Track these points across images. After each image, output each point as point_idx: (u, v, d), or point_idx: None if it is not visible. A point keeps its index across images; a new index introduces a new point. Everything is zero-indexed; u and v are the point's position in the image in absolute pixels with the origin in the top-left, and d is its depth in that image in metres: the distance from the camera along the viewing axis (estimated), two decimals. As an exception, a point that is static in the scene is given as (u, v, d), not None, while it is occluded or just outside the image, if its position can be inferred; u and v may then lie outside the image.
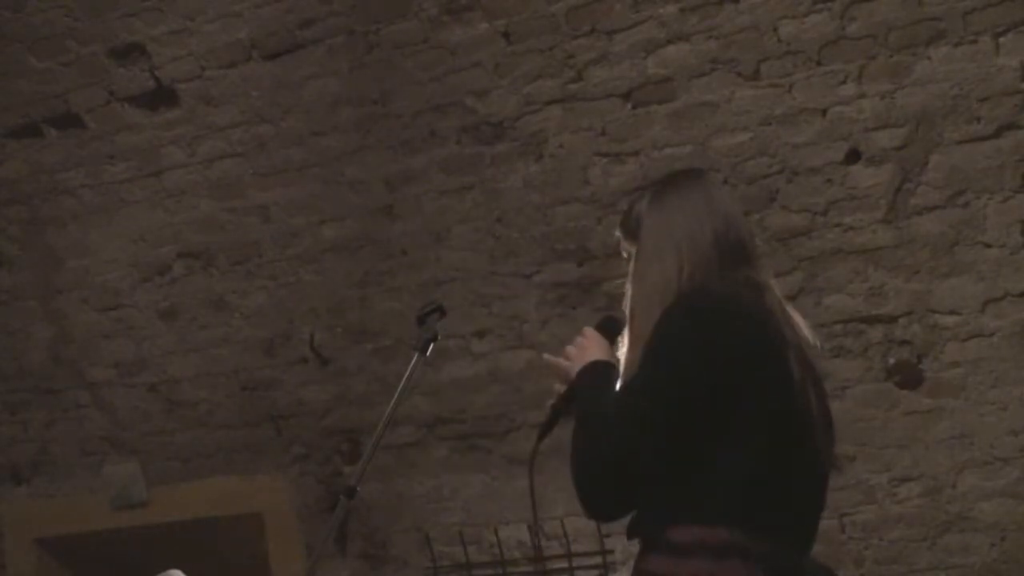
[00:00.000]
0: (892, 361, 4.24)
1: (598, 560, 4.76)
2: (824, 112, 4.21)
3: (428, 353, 2.85)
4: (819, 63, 4.18)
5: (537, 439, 2.61)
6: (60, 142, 5.39)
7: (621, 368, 2.48)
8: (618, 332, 2.57)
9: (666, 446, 2.27)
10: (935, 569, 4.23)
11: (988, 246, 4.07)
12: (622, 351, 2.52)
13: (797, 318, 2.47)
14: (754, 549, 2.25)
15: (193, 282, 5.34)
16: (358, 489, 2.81)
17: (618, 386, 2.44)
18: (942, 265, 4.13)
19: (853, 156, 4.20)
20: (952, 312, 4.14)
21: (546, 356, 2.64)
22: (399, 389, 2.81)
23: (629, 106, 4.47)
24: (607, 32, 4.45)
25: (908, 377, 4.23)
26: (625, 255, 2.57)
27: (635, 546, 2.42)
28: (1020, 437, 4.09)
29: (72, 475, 5.79)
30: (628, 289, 2.52)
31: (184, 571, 4.18)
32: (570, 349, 2.57)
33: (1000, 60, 3.96)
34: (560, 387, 2.56)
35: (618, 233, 2.60)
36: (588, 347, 2.54)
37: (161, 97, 5.17)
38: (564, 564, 4.84)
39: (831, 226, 4.25)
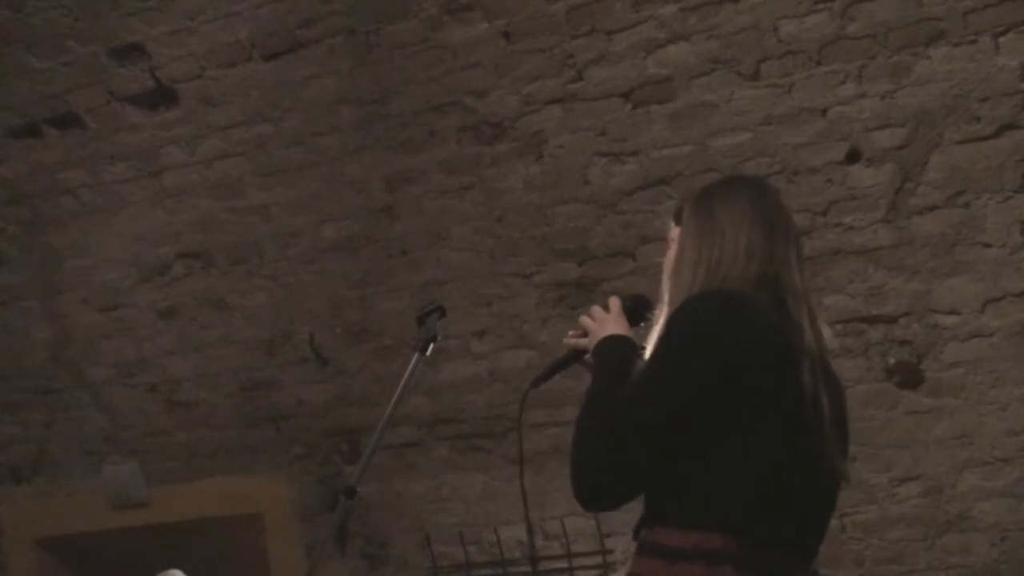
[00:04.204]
0: (892, 361, 4.23)
1: (598, 560, 4.75)
2: (824, 112, 4.20)
3: (428, 353, 2.85)
4: (819, 63, 4.18)
5: (537, 380, 2.64)
6: (60, 142, 5.39)
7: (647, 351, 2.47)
8: (645, 311, 2.60)
9: (667, 449, 2.25)
10: (935, 569, 4.23)
11: (988, 246, 4.07)
12: (651, 333, 2.50)
13: (823, 329, 2.42)
14: (748, 558, 2.22)
15: (193, 282, 5.33)
16: (358, 489, 2.82)
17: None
18: (942, 265, 4.13)
19: (853, 156, 4.19)
20: (952, 312, 4.13)
21: (566, 340, 2.64)
22: (399, 389, 2.82)
23: (629, 106, 4.47)
24: (607, 32, 4.45)
25: (908, 377, 4.22)
26: (670, 242, 2.58)
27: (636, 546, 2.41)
28: (1020, 437, 4.09)
29: (72, 475, 5.79)
30: (664, 274, 2.54)
31: (184, 571, 4.19)
32: (596, 309, 2.58)
33: (1000, 60, 3.96)
34: (577, 335, 2.59)
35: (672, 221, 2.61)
36: (608, 320, 2.55)
37: (161, 97, 5.17)
38: (564, 564, 4.84)
39: (831, 226, 4.25)
